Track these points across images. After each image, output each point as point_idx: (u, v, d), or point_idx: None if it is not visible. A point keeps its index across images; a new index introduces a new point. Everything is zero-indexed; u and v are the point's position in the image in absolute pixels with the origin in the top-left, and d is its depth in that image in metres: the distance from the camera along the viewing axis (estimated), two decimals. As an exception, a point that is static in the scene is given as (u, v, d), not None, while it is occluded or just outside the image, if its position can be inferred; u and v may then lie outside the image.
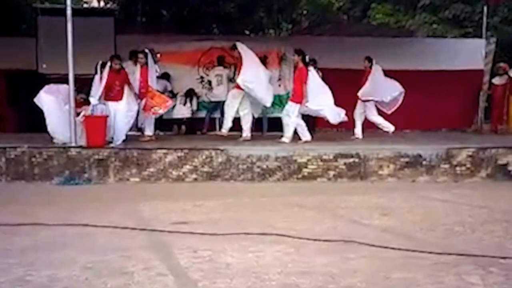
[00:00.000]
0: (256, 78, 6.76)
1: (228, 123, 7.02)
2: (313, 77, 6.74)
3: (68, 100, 5.91)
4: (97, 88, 6.30)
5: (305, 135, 6.81)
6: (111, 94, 6.36)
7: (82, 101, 6.54)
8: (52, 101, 6.11)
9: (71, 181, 5.60)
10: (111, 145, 6.06)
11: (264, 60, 8.43)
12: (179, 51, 8.54)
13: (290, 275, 2.56)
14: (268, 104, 7.07)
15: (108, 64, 6.31)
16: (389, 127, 7.63)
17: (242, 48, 6.85)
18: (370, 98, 7.56)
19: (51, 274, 2.57)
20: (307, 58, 6.75)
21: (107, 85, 6.25)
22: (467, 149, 6.10)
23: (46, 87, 6.34)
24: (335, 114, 6.88)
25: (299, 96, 6.69)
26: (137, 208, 4.33)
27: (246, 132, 7.03)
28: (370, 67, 7.53)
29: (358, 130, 7.66)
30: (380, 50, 9.25)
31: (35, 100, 6.20)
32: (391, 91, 7.54)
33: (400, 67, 9.42)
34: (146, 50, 6.80)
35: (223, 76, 8.22)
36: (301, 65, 6.71)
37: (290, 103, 6.83)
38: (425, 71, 9.44)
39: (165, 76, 8.25)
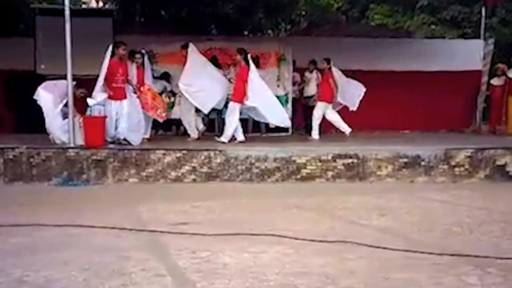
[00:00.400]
0: (197, 82, 6.69)
1: (192, 129, 7.06)
2: (256, 77, 6.73)
3: (67, 99, 5.88)
4: (101, 88, 6.22)
5: (240, 135, 6.80)
6: (114, 85, 6.12)
7: (82, 96, 6.51)
8: (49, 99, 6.09)
9: (69, 182, 5.59)
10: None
11: (256, 61, 8.45)
12: (177, 52, 8.54)
13: (288, 276, 2.56)
14: (206, 111, 7.03)
15: (109, 50, 6.08)
16: (315, 135, 7.60)
17: (191, 50, 6.79)
18: (343, 102, 7.58)
19: (49, 275, 2.56)
20: (249, 56, 6.73)
21: (109, 73, 6.04)
22: (465, 150, 6.11)
23: (44, 83, 6.31)
24: (277, 117, 6.81)
25: (239, 95, 6.70)
26: (135, 209, 4.32)
27: (192, 134, 7.07)
28: (329, 69, 7.56)
29: (344, 127, 7.62)
30: (378, 51, 9.30)
31: (35, 96, 6.18)
32: (357, 94, 7.59)
33: (399, 68, 9.46)
34: (143, 51, 6.81)
35: None
36: (242, 64, 6.73)
37: (230, 102, 6.82)
38: (424, 72, 9.46)
39: (164, 76, 8.24)
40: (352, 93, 7.62)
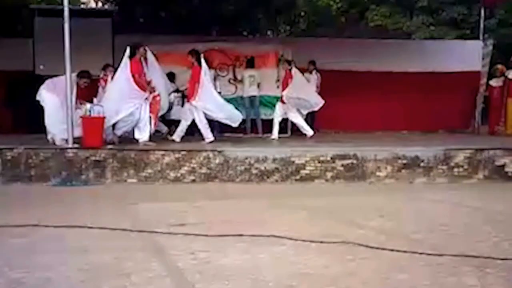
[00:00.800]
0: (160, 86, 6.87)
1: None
2: (206, 79, 6.80)
3: (66, 98, 5.87)
4: (109, 90, 6.25)
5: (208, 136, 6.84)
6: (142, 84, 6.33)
7: (85, 85, 6.51)
8: (52, 99, 6.07)
9: (68, 182, 5.58)
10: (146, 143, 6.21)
11: (251, 61, 8.46)
12: (177, 52, 8.54)
13: (288, 277, 2.55)
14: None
15: (127, 52, 6.17)
16: (308, 130, 7.70)
17: (150, 54, 6.90)
18: (294, 96, 7.61)
19: (47, 276, 2.55)
20: (201, 57, 6.81)
21: (137, 74, 6.17)
22: (464, 150, 6.11)
23: (45, 83, 6.28)
24: (230, 116, 6.85)
25: (191, 95, 6.81)
26: (134, 209, 4.32)
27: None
28: (290, 70, 7.64)
29: (275, 131, 7.74)
30: (378, 52, 9.31)
31: (37, 97, 6.16)
32: (312, 105, 7.70)
33: (398, 68, 9.48)
34: (146, 48, 6.85)
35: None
36: (195, 65, 6.84)
37: (186, 104, 6.92)
38: (423, 73, 9.49)
39: (169, 77, 8.23)
40: (310, 103, 7.71)
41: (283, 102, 7.74)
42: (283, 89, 7.80)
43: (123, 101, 6.15)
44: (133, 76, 6.18)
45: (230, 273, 2.60)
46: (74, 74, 6.05)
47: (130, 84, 6.17)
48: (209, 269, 2.67)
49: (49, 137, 6.20)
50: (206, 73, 6.80)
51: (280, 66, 8.82)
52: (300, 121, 7.77)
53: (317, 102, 7.74)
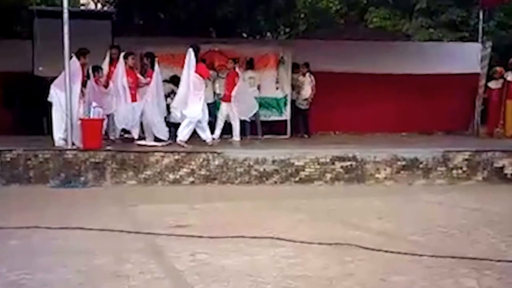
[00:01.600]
0: None
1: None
2: (155, 82, 6.79)
3: (68, 99, 5.86)
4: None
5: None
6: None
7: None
8: (59, 100, 6.06)
9: (67, 184, 5.58)
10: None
11: (251, 63, 8.47)
12: (176, 54, 8.54)
13: (287, 278, 2.55)
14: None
15: (192, 54, 6.34)
16: (237, 136, 7.51)
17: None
18: (239, 99, 7.51)
19: (45, 278, 2.55)
20: (156, 60, 6.85)
21: (207, 77, 6.57)
22: (463, 152, 6.12)
23: (55, 82, 6.15)
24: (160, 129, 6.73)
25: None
26: (133, 211, 4.32)
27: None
28: (234, 69, 7.55)
29: (217, 132, 7.49)
30: (377, 54, 9.32)
31: (49, 98, 6.12)
32: (250, 110, 7.64)
33: (397, 70, 9.48)
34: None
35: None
36: (149, 67, 6.92)
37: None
38: (422, 75, 9.49)
39: (173, 80, 8.24)
40: (247, 107, 7.66)
41: (228, 101, 7.55)
42: (229, 89, 7.63)
43: (196, 99, 6.36)
44: (204, 78, 6.47)
45: (229, 274, 2.61)
46: (73, 59, 5.93)
47: (202, 85, 6.44)
48: (208, 270, 2.67)
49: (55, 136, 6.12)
50: (157, 77, 6.76)
51: (280, 68, 8.81)
52: (236, 124, 7.54)
53: (252, 110, 7.64)
